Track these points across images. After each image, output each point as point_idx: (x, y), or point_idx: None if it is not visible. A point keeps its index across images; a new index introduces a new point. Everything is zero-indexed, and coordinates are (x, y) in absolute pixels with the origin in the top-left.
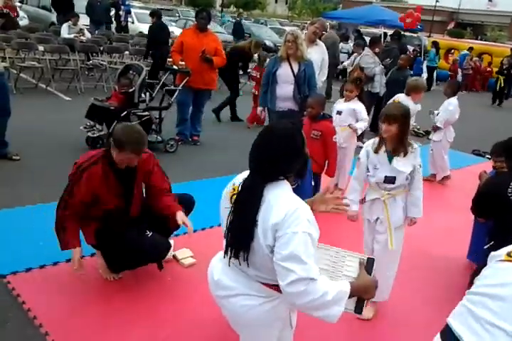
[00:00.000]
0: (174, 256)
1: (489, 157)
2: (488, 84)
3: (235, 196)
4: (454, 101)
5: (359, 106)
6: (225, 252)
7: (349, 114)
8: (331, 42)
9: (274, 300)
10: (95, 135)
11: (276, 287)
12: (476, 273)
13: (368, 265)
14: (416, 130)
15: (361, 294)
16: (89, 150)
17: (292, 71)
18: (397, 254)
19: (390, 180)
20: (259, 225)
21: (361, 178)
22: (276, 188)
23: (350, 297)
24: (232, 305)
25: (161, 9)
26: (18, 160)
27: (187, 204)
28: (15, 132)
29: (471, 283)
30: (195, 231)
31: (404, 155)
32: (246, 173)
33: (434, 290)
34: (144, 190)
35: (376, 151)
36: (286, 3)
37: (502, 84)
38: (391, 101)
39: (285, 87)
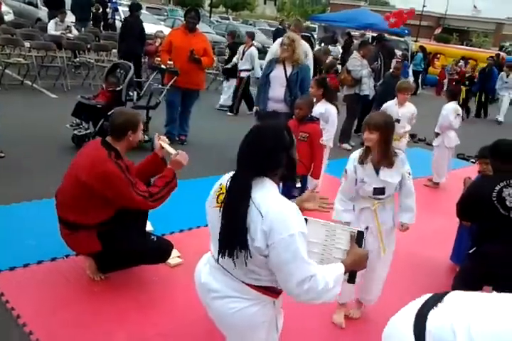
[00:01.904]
0: None
1: (473, 161)
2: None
3: (221, 195)
4: (448, 106)
5: (327, 109)
6: (219, 252)
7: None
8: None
9: (260, 303)
10: (81, 133)
11: (262, 289)
12: (459, 274)
13: (358, 238)
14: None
15: (355, 268)
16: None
17: (285, 73)
18: (389, 260)
19: (379, 191)
20: (251, 226)
21: (348, 192)
22: (261, 188)
23: (345, 273)
24: (219, 307)
25: (149, 8)
26: (3, 158)
27: (162, 252)
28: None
29: (454, 285)
30: (181, 231)
31: (391, 166)
32: (232, 173)
33: (417, 291)
34: None
35: (362, 162)
36: (275, 5)
37: (464, 96)
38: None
39: (277, 89)
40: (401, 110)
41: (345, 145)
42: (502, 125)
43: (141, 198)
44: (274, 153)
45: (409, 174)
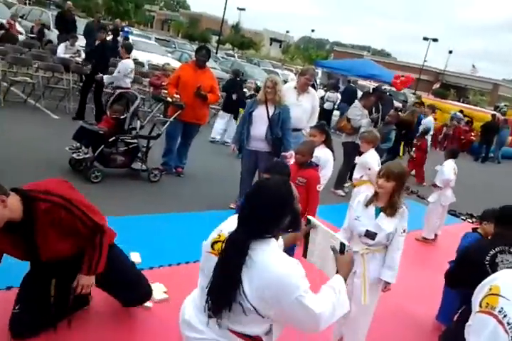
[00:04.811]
0: None
1: (464, 218)
2: (472, 148)
3: (218, 243)
4: (449, 163)
5: (323, 154)
6: (206, 304)
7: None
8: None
9: None
10: (80, 157)
11: (245, 336)
12: (445, 334)
13: (341, 248)
14: None
15: (346, 271)
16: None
17: (267, 113)
18: (370, 312)
19: (370, 235)
20: (245, 284)
21: (347, 229)
22: (262, 247)
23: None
24: None
25: (159, 39)
26: None
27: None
28: None
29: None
30: (170, 265)
31: (392, 215)
32: (232, 220)
33: None
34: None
35: (367, 205)
36: (280, 47)
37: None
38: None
39: (259, 128)
40: (359, 158)
41: (339, 192)
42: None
43: None
44: (273, 217)
45: (404, 231)
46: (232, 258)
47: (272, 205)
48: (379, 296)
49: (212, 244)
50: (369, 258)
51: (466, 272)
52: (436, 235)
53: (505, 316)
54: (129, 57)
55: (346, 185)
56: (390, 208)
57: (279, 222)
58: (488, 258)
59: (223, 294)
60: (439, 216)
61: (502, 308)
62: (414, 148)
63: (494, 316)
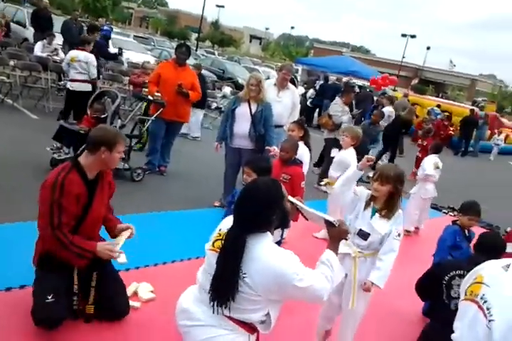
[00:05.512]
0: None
1: (445, 211)
2: (451, 143)
3: (218, 242)
4: (428, 158)
5: (302, 150)
6: (210, 298)
7: None
8: (403, 107)
9: (236, 333)
10: (61, 157)
11: (240, 323)
12: (427, 328)
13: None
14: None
15: (339, 239)
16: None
17: (250, 110)
18: (360, 315)
19: (363, 234)
20: (247, 277)
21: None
22: (258, 241)
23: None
24: (198, 333)
25: (137, 37)
26: None
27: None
28: None
29: (421, 338)
30: (156, 265)
31: (387, 217)
32: (229, 220)
33: None
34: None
35: (364, 208)
36: (260, 44)
37: None
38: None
39: (242, 125)
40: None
41: (323, 187)
42: None
43: (48, 223)
44: (264, 213)
45: (399, 235)
46: (231, 250)
47: (262, 205)
48: (369, 297)
49: (213, 243)
50: (360, 262)
51: (431, 286)
52: (417, 228)
53: (485, 302)
54: (82, 49)
55: (322, 183)
56: (386, 210)
57: (270, 219)
58: (447, 278)
59: (226, 284)
60: (419, 208)
61: (483, 295)
62: (419, 148)
63: (476, 302)
